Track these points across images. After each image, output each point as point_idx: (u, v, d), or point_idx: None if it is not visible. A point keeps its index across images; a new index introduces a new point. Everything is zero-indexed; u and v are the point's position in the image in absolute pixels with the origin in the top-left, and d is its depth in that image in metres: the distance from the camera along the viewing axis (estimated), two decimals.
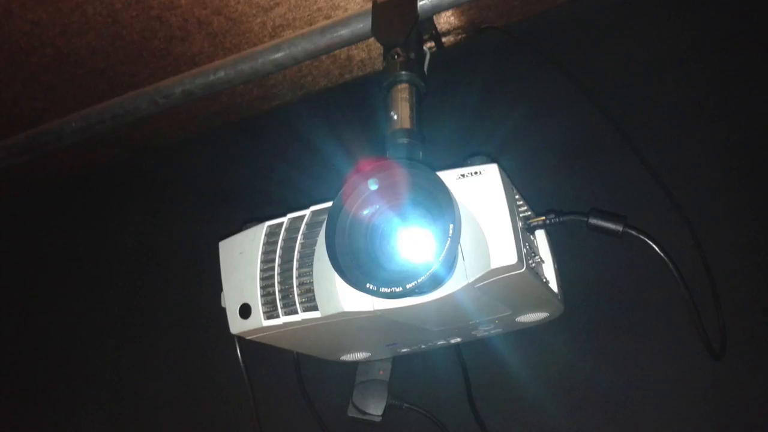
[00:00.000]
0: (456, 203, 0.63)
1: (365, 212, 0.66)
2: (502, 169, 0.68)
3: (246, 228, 0.78)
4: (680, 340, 0.91)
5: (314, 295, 0.70)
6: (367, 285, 0.62)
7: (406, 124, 0.82)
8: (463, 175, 0.67)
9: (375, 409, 0.99)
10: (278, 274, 0.73)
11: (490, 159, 0.69)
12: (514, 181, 0.73)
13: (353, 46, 1.21)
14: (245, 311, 0.74)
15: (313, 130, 1.28)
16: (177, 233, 1.39)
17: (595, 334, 0.97)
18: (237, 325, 0.75)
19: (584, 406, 0.95)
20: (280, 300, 0.72)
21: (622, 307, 0.97)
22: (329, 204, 0.69)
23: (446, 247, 0.60)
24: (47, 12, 1.09)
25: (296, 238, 0.73)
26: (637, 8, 1.12)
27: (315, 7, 1.13)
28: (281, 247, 0.73)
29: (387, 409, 1.00)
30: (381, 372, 1.01)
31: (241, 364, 0.94)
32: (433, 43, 1.19)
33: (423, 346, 0.96)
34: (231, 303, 0.76)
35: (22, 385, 1.41)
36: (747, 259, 0.92)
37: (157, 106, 1.25)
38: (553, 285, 0.85)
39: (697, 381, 0.90)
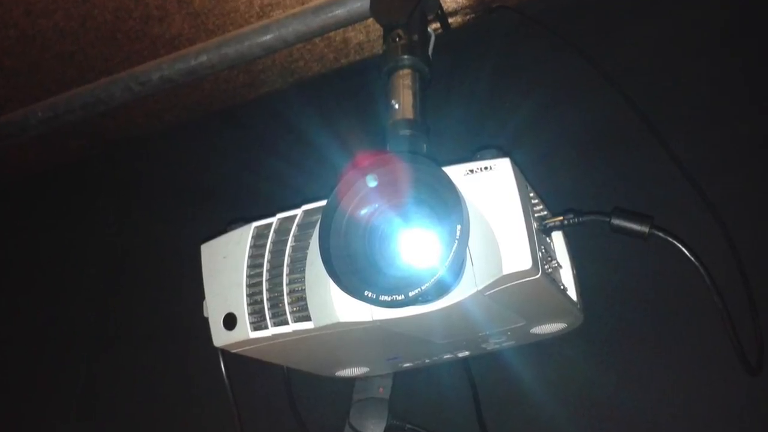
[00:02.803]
0: (464, 202, 0.63)
1: (363, 212, 0.66)
2: (515, 163, 0.68)
3: (231, 229, 0.78)
4: (712, 353, 0.91)
5: (306, 304, 0.70)
6: (366, 292, 0.62)
7: (409, 114, 0.82)
8: (471, 171, 0.67)
9: (374, 430, 0.99)
10: (267, 280, 0.73)
11: (502, 153, 0.69)
12: (528, 177, 0.73)
13: (350, 28, 1.21)
14: (230, 322, 0.74)
15: (306, 120, 1.28)
16: (154, 235, 1.39)
17: (618, 347, 0.97)
18: (221, 337, 0.75)
19: (606, 427, 0.95)
20: (268, 309, 0.72)
21: (648, 316, 0.97)
22: (323, 203, 0.69)
23: (453, 251, 0.60)
24: None
25: (287, 240, 0.73)
26: None
27: None
28: (270, 251, 0.73)
29: (387, 431, 1.00)
30: (381, 389, 1.01)
31: (226, 381, 0.94)
32: (438, 24, 1.19)
33: (427, 361, 0.96)
34: (214, 312, 0.76)
35: None
36: None
37: (133, 93, 1.25)
38: (572, 292, 0.85)
39: (731, 398, 0.90)
